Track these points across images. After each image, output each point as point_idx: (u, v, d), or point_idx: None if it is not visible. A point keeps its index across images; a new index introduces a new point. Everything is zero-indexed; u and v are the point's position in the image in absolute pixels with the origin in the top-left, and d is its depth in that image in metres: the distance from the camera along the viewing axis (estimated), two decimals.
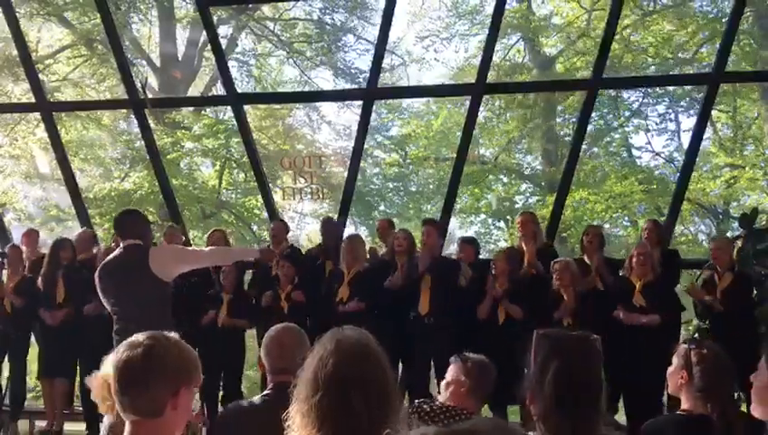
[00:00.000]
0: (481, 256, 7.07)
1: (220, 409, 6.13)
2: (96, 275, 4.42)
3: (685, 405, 2.76)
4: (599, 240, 6.40)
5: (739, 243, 6.42)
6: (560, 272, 5.88)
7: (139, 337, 1.83)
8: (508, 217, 17.04)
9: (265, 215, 9.17)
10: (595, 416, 1.92)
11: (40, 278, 6.68)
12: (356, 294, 6.20)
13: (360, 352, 1.66)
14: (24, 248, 7.18)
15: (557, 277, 5.88)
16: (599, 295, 6.02)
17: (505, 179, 17.45)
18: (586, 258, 6.34)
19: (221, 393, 6.49)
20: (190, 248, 5.72)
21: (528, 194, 17.60)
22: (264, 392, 2.75)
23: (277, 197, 10.03)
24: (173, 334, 1.89)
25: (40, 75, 9.52)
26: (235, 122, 9.21)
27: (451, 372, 3.18)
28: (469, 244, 6.85)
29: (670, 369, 2.84)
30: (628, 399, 5.73)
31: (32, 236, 7.43)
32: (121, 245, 4.42)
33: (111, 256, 4.46)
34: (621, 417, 5.82)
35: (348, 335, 1.70)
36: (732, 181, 14.66)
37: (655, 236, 6.37)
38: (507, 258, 6.25)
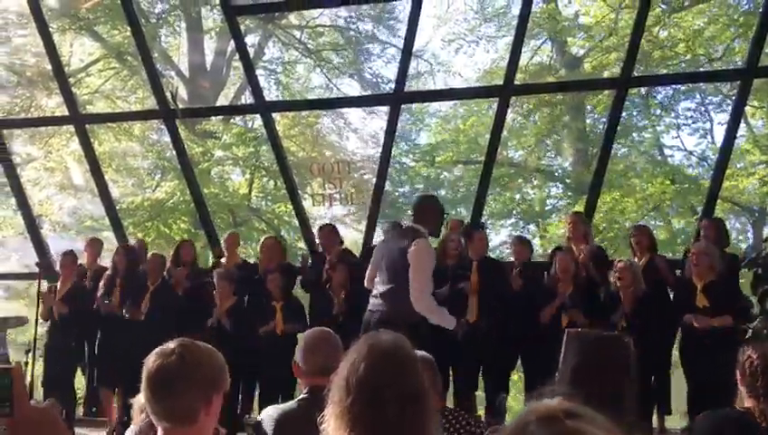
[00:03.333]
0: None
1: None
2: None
3: (745, 403, 2.73)
4: (647, 240, 6.30)
5: None
6: (621, 271, 5.76)
7: (170, 345, 1.84)
8: (539, 220, 16.91)
9: (296, 222, 9.23)
10: (608, 415, 1.88)
11: (102, 284, 6.80)
12: None
13: (392, 357, 1.65)
14: (86, 256, 7.29)
15: (618, 277, 5.76)
16: (656, 298, 5.87)
17: (536, 181, 17.32)
18: (636, 259, 6.21)
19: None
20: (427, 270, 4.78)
21: (558, 197, 17.45)
22: (300, 396, 2.76)
23: (307, 203, 10.07)
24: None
25: (72, 88, 9.68)
26: (264, 130, 9.26)
27: None
28: (523, 243, 6.77)
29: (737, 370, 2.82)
30: (697, 401, 5.58)
31: (95, 245, 7.51)
32: (405, 224, 4.74)
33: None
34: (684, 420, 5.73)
35: (381, 340, 1.69)
36: (767, 179, 14.39)
37: (713, 235, 6.22)
38: (570, 259, 6.12)
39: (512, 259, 6.83)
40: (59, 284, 7.03)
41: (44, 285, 7.06)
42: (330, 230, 7.11)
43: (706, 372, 5.25)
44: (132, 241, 7.99)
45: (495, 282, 6.17)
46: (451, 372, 6.01)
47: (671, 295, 6.10)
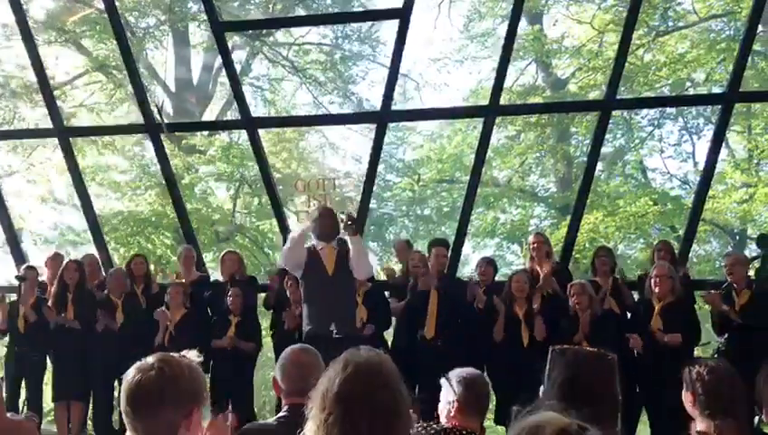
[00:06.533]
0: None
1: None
2: None
3: (699, 427, 2.71)
4: (610, 262, 6.36)
5: (756, 264, 6.34)
6: (577, 295, 5.82)
7: (149, 360, 1.83)
8: (522, 239, 16.97)
9: (280, 238, 9.22)
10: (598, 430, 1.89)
11: (50, 299, 6.77)
12: (371, 314, 6.17)
13: (367, 372, 1.66)
14: (47, 271, 7.26)
15: (574, 300, 5.82)
16: (614, 318, 5.97)
17: (519, 202, 17.40)
18: (599, 280, 6.29)
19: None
20: None
21: (542, 217, 17.53)
22: (280, 414, 2.74)
23: (291, 220, 10.05)
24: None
25: (57, 101, 9.62)
26: (249, 146, 9.24)
27: (441, 394, 3.14)
28: (489, 264, 6.77)
29: (683, 392, 2.80)
30: (654, 420, 5.66)
31: (56, 259, 7.46)
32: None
33: None
34: None
35: (359, 355, 1.70)
36: (747, 201, 14.53)
37: (668, 258, 6.29)
38: (526, 278, 6.19)
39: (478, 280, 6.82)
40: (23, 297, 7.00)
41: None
42: None
43: (660, 395, 5.30)
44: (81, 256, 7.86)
45: (455, 299, 6.19)
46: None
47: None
